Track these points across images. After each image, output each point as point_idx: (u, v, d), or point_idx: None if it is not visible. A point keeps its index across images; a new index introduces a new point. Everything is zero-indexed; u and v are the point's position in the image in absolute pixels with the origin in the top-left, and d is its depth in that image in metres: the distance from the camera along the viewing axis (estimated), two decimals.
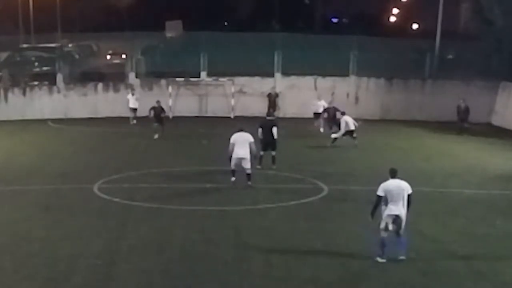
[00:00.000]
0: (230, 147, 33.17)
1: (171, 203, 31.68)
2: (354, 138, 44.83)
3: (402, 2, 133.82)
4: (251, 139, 33.77)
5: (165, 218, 29.39)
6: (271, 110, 38.74)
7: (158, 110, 39.69)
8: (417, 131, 53.47)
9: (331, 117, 46.50)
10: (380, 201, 20.19)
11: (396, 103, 60.42)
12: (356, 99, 60.25)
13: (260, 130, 36.61)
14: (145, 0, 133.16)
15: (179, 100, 60.44)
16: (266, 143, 36.93)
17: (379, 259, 20.40)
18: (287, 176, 36.23)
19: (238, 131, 34.05)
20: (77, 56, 69.85)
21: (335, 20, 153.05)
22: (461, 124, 51.87)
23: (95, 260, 22.80)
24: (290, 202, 31.70)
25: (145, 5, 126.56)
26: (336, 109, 46.23)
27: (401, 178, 18.59)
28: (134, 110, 51.54)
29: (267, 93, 57.49)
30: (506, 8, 52.73)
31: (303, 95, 58.52)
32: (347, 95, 60.33)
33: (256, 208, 30.70)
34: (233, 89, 60.05)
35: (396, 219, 20.08)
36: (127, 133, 46.99)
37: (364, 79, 60.99)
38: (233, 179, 33.68)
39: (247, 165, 33.48)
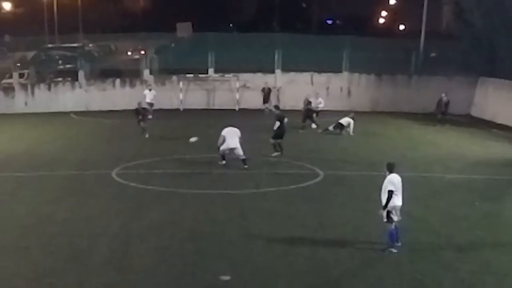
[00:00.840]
0: (221, 139, 33.92)
1: (182, 187, 31.68)
2: (343, 128, 45.18)
3: (390, 5, 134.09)
4: (239, 133, 34.44)
5: (176, 201, 29.51)
6: (274, 104, 38.20)
7: (141, 111, 38.35)
8: (404, 122, 53.36)
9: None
10: (393, 195, 19.75)
11: (384, 97, 60.38)
12: (349, 93, 60.21)
13: (278, 123, 36.27)
14: (158, 3, 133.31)
15: (189, 94, 60.44)
16: (283, 133, 36.80)
17: (393, 250, 20.44)
18: (287, 162, 36.13)
19: (229, 126, 34.61)
20: (96, 55, 69.81)
21: (329, 22, 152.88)
22: (442, 116, 51.67)
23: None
24: (289, 186, 31.64)
25: (158, 8, 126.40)
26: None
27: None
28: (151, 104, 51.38)
29: (261, 88, 57.35)
30: (484, 11, 52.67)
31: (301, 90, 58.39)
32: (341, 89, 60.29)
33: (258, 191, 30.66)
34: (237, 84, 59.97)
35: (399, 209, 19.97)
36: (132, 131, 47.12)
37: (356, 75, 60.94)
38: (223, 162, 34.46)
39: (239, 152, 33.96)
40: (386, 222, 20.03)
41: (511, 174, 35.84)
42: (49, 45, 77.98)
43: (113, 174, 33.82)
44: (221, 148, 33.86)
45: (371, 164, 36.99)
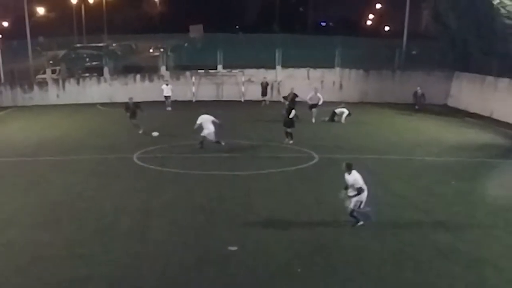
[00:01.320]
0: (197, 126, 34.50)
1: (194, 169, 31.76)
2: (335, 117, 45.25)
3: (376, 9, 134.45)
4: (213, 118, 34.78)
5: (189, 181, 29.55)
6: (283, 96, 37.96)
7: (132, 107, 37.70)
8: (388, 111, 53.23)
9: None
10: (361, 192, 20.02)
11: (371, 89, 60.14)
12: (340, 86, 60.07)
13: (294, 111, 36.25)
14: (173, 8, 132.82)
15: (200, 87, 60.25)
16: (293, 122, 36.69)
17: (360, 224, 20.82)
18: (287, 147, 36.06)
19: (204, 114, 35.18)
20: (119, 53, 69.73)
21: (323, 24, 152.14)
22: (416, 106, 51.74)
23: None
24: (289, 168, 31.62)
25: (173, 12, 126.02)
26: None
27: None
28: (168, 97, 51.20)
29: (260, 82, 57.42)
30: (458, 14, 52.47)
31: (299, 83, 58.32)
32: (333, 83, 60.16)
33: (261, 172, 30.62)
34: (243, 79, 59.68)
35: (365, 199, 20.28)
36: (160, 114, 46.91)
37: (347, 70, 60.69)
38: (201, 146, 34.81)
39: (211, 137, 34.47)
40: (353, 209, 20.20)
41: (482, 157, 35.77)
42: (78, 45, 78.01)
43: (134, 158, 33.87)
44: (202, 134, 34.07)
45: (360, 148, 37.02)
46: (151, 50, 69.60)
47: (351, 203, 20.28)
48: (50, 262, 19.04)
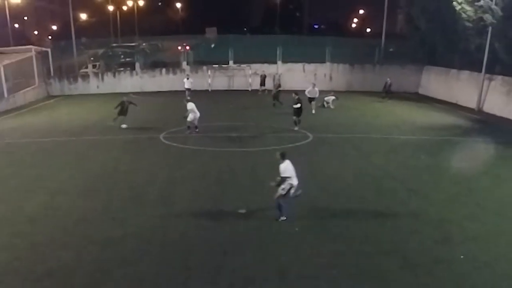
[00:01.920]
0: (189, 112, 33.56)
1: (209, 146, 31.61)
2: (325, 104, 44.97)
3: (360, 14, 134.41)
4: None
5: (206, 156, 29.47)
6: (294, 91, 37.69)
7: (126, 106, 36.51)
8: (370, 98, 52.95)
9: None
10: (285, 181, 18.15)
11: (356, 80, 60.03)
12: (330, 77, 59.93)
13: (299, 104, 35.21)
14: (192, 13, 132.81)
15: (215, 79, 60.12)
16: (301, 112, 35.85)
17: (283, 218, 18.58)
18: (287, 128, 35.89)
19: (191, 101, 34.54)
20: (148, 51, 69.66)
21: (316, 26, 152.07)
22: (386, 95, 51.78)
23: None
24: (288, 145, 31.37)
25: (192, 17, 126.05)
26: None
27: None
28: (188, 89, 50.93)
29: (260, 74, 57.47)
30: (427, 18, 52.38)
31: (296, 76, 58.59)
32: (324, 75, 60.03)
33: (266, 149, 30.32)
34: (250, 72, 59.36)
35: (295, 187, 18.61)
36: (181, 100, 46.84)
37: (335, 64, 60.54)
38: (188, 131, 34.09)
39: (196, 121, 33.97)
40: (283, 196, 18.39)
41: (447, 135, 35.58)
42: (114, 44, 78.03)
43: (161, 137, 33.80)
44: (188, 119, 33.55)
45: (347, 129, 37.13)
46: (179, 48, 69.51)
47: (277, 193, 18.63)
48: (91, 223, 19.21)
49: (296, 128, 35.31)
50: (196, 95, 51.07)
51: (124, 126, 36.10)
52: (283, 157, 18.42)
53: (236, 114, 43.47)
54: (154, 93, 58.24)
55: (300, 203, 21.07)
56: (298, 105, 34.82)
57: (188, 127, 33.96)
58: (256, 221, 18.05)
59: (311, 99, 37.13)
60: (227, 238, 17.59)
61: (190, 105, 33.49)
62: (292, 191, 18.33)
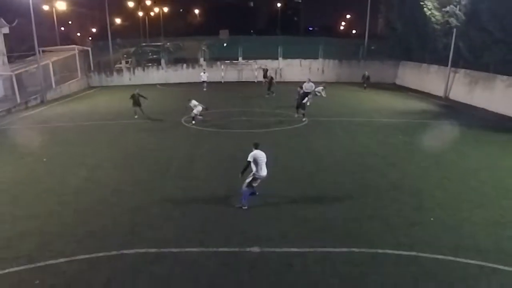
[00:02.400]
0: (193, 107, 32.49)
1: (223, 128, 31.48)
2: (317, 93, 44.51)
3: (347, 18, 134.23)
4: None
5: (220, 137, 29.26)
6: (300, 86, 37.11)
7: (137, 97, 35.14)
8: (355, 88, 52.63)
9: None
10: (249, 165, 16.83)
11: (343, 73, 59.73)
12: (322, 71, 59.62)
13: (306, 98, 34.54)
14: (208, 18, 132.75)
15: (227, 73, 59.74)
16: (305, 104, 34.68)
17: (245, 206, 17.06)
18: (286, 113, 35.65)
19: (192, 100, 33.17)
20: (171, 50, 69.40)
21: (310, 29, 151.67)
22: (364, 85, 51.46)
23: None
24: (287, 127, 31.24)
25: (208, 21, 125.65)
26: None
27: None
28: (204, 82, 50.57)
29: (262, 68, 57.28)
30: (403, 21, 52.07)
31: (294, 70, 58.72)
32: (317, 69, 59.75)
33: (269, 130, 30.34)
34: (256, 66, 58.95)
35: (262, 179, 17.10)
36: (199, 91, 46.45)
37: (327, 60, 60.21)
38: (194, 122, 32.62)
39: (198, 113, 32.65)
40: (247, 187, 17.24)
41: (420, 119, 35.24)
42: (143, 44, 77.62)
43: (182, 121, 33.53)
44: (195, 112, 32.51)
45: (336, 114, 36.72)
46: (203, 47, 69.31)
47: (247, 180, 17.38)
48: (124, 194, 19.18)
49: (295, 115, 34.79)
50: (211, 86, 51.16)
51: (136, 116, 35.51)
52: (256, 146, 17.24)
53: (245, 101, 43.12)
54: (176, 84, 58.05)
55: (297, 176, 21.12)
56: (306, 98, 34.52)
57: (193, 117, 33.08)
58: (262, 191, 17.78)
59: (307, 93, 36.66)
60: (234, 201, 17.64)
61: (193, 102, 33.11)
62: (255, 183, 17.26)
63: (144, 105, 35.46)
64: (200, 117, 32.81)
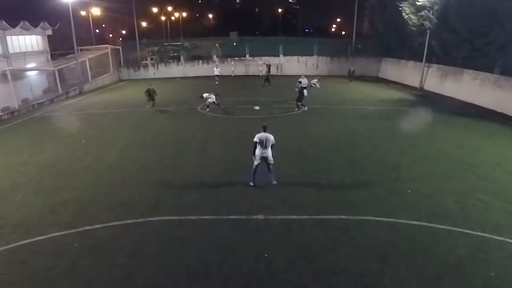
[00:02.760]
0: (205, 98, 32.13)
1: (233, 114, 31.21)
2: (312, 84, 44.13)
3: (337, 21, 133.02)
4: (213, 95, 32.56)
5: (230, 121, 29.06)
6: (299, 80, 36.46)
7: (152, 92, 34.19)
8: (344, 81, 51.92)
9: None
10: (256, 145, 16.23)
11: (335, 68, 58.84)
12: (317, 66, 58.81)
13: (305, 92, 33.47)
14: (220, 21, 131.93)
15: (236, 67, 58.89)
16: (303, 97, 34.05)
17: (251, 184, 16.64)
18: (287, 101, 35.40)
19: (205, 93, 32.71)
20: (189, 48, 69.04)
21: (307, 30, 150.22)
22: (350, 78, 51.10)
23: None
24: (288, 113, 31.01)
25: (220, 24, 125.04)
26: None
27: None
28: (218, 76, 50.13)
29: (265, 64, 56.40)
30: (384, 23, 51.51)
31: (293, 65, 58.16)
32: (312, 64, 58.98)
33: (273, 116, 30.04)
34: (260, 62, 58.18)
35: (264, 158, 16.26)
36: (212, 83, 46.22)
37: (320, 57, 59.37)
38: (208, 109, 32.10)
39: (213, 102, 32.28)
40: (254, 164, 16.66)
41: (398, 106, 34.85)
42: (165, 43, 77.17)
43: (198, 108, 33.23)
44: (209, 101, 32.07)
45: (328, 102, 36.38)
46: (216, 45, 68.91)
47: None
48: (149, 169, 19.27)
49: (295, 107, 33.98)
50: (222, 79, 50.71)
51: (147, 106, 34.98)
52: (264, 129, 16.55)
53: (251, 92, 42.62)
54: (193, 77, 57.49)
55: (295, 154, 21.04)
56: (306, 92, 34.12)
57: (207, 106, 32.63)
58: (265, 166, 17.80)
59: (303, 88, 36.14)
60: (242, 175, 17.51)
61: (205, 95, 32.74)
62: (255, 162, 16.43)
63: (163, 96, 35.34)
64: (217, 105, 32.66)
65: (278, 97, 38.44)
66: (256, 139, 16.27)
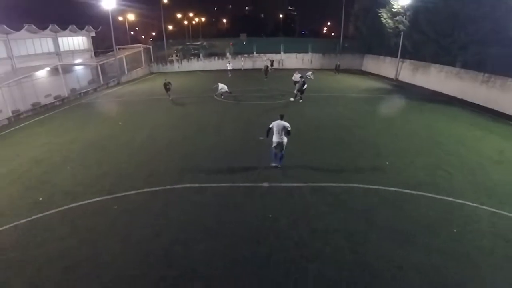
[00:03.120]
0: (215, 88, 31.86)
1: (243, 101, 30.60)
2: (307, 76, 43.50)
3: (328, 25, 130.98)
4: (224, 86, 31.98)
5: (241, 107, 28.50)
6: (300, 76, 35.66)
7: (167, 84, 32.68)
8: (333, 73, 51.46)
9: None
10: (270, 130, 15.23)
11: (326, 63, 57.61)
12: (311, 61, 57.77)
13: (306, 85, 31.34)
14: (232, 25, 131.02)
15: (245, 62, 57.78)
16: (303, 90, 32.68)
17: (272, 164, 15.66)
18: (286, 91, 34.95)
19: (218, 83, 32.27)
20: (207, 47, 68.53)
21: (303, 32, 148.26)
22: (337, 71, 49.98)
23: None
24: (286, 100, 30.55)
25: (232, 27, 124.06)
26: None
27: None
28: (230, 70, 49.57)
29: (269, 59, 55.88)
30: (367, 26, 50.84)
31: (292, 60, 57.12)
32: (308, 60, 58.01)
33: (275, 102, 29.52)
34: (265, 58, 57.31)
35: (279, 143, 15.09)
36: (225, 76, 45.73)
37: (314, 54, 58.18)
38: (222, 97, 31.61)
39: (224, 90, 31.76)
40: (271, 147, 15.68)
41: (378, 94, 34.06)
42: (187, 43, 76.76)
43: (214, 96, 32.70)
44: (222, 91, 31.61)
45: (320, 90, 35.49)
46: (231, 44, 68.30)
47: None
48: (174, 146, 19.11)
49: (295, 99, 32.21)
50: (234, 72, 50.07)
51: (170, 99, 34.53)
52: (281, 117, 15.41)
53: (258, 82, 41.90)
54: (210, 71, 56.43)
55: (292, 133, 20.56)
56: (306, 85, 33.42)
57: (222, 94, 32.18)
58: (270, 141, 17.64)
59: (295, 82, 35.34)
60: (253, 152, 17.47)
61: (220, 85, 32.28)
62: (273, 146, 15.33)
63: (186, 86, 34.94)
64: (229, 93, 32.28)
65: (281, 87, 37.83)
66: (271, 124, 15.26)
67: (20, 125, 25.18)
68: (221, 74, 48.94)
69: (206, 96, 33.48)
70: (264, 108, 27.51)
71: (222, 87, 31.94)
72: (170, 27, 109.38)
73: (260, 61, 58.01)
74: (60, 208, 12.79)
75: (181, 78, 47.50)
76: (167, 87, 33.12)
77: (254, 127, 21.91)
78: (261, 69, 54.89)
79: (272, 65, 52.64)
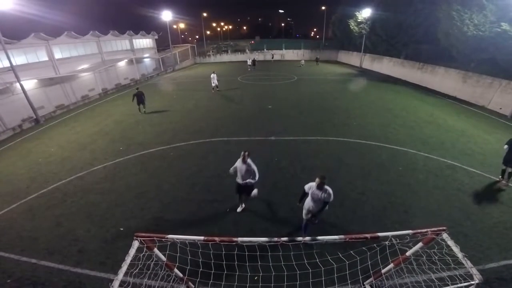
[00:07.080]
0: (211, 80, 26.01)
1: (257, 82, 29.09)
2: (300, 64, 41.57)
3: (314, 30, 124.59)
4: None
5: (256, 86, 27.04)
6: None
7: (140, 95, 20.69)
8: (320, 63, 49.26)
9: None
10: (304, 194, 7.35)
11: (313, 56, 54.86)
12: (303, 55, 55.09)
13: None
14: (250, 30, 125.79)
15: (259, 56, 55.51)
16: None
17: (301, 238, 6.06)
18: (286, 74, 33.58)
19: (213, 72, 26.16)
20: (233, 45, 65.78)
21: (298, 35, 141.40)
22: (316, 62, 47.19)
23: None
24: (285, 81, 29.22)
25: (250, 32, 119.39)
26: None
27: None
28: (249, 65, 47.16)
29: (272, 54, 53.45)
30: (340, 30, 48.05)
31: (291, 54, 54.15)
32: (301, 54, 55.29)
33: (278, 83, 28.07)
34: (272, 53, 54.91)
35: (310, 212, 7.33)
36: (244, 67, 44.14)
37: (306, 50, 55.50)
38: (213, 91, 25.57)
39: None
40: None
41: (348, 76, 32.03)
42: (220, 43, 73.93)
43: (238, 78, 31.07)
44: (249, 65, 29.41)
45: (309, 74, 33.56)
46: (252, 42, 65.72)
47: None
48: (212, 111, 18.33)
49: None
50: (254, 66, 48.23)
51: (213, 91, 33.04)
52: (322, 181, 7.10)
53: (267, 69, 39.87)
54: (235, 62, 53.84)
55: (291, 102, 19.71)
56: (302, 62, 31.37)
57: (213, 87, 29.51)
58: (277, 112, 16.87)
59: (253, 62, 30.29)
60: (262, 115, 16.66)
61: (248, 61, 30.00)
62: (304, 216, 7.72)
63: (221, 72, 33.52)
64: (253, 67, 30.19)
65: (282, 72, 36.23)
66: (307, 189, 7.38)
67: (107, 99, 24.61)
68: (242, 64, 47.06)
69: (232, 78, 32.17)
70: (273, 87, 26.36)
71: (249, 62, 30.20)
72: (208, 32, 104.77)
73: (269, 54, 55.53)
74: (135, 154, 12.55)
75: (216, 66, 45.57)
76: (141, 97, 18.64)
77: (266, 99, 21.02)
78: (269, 60, 53.06)
79: (273, 57, 50.26)
